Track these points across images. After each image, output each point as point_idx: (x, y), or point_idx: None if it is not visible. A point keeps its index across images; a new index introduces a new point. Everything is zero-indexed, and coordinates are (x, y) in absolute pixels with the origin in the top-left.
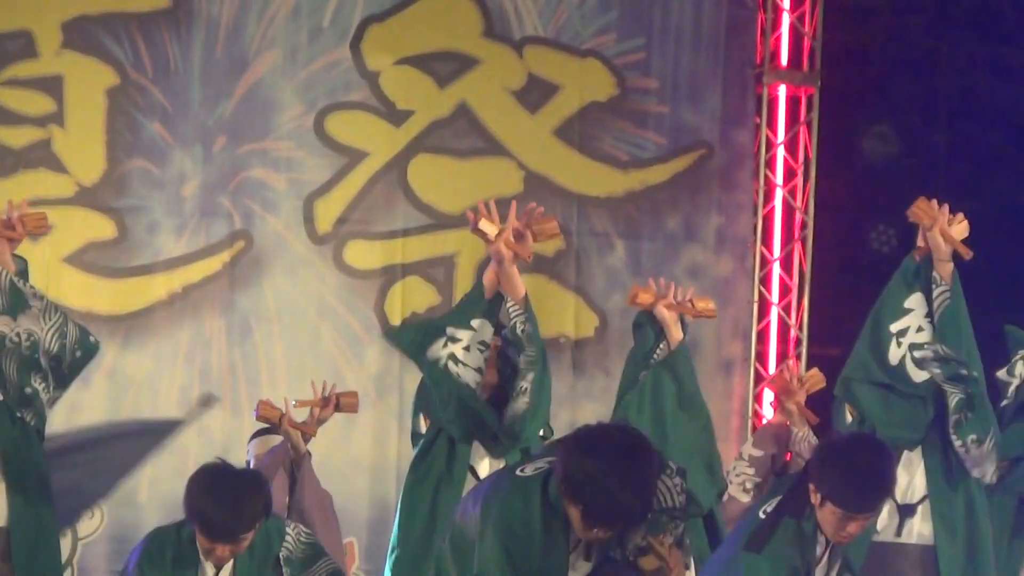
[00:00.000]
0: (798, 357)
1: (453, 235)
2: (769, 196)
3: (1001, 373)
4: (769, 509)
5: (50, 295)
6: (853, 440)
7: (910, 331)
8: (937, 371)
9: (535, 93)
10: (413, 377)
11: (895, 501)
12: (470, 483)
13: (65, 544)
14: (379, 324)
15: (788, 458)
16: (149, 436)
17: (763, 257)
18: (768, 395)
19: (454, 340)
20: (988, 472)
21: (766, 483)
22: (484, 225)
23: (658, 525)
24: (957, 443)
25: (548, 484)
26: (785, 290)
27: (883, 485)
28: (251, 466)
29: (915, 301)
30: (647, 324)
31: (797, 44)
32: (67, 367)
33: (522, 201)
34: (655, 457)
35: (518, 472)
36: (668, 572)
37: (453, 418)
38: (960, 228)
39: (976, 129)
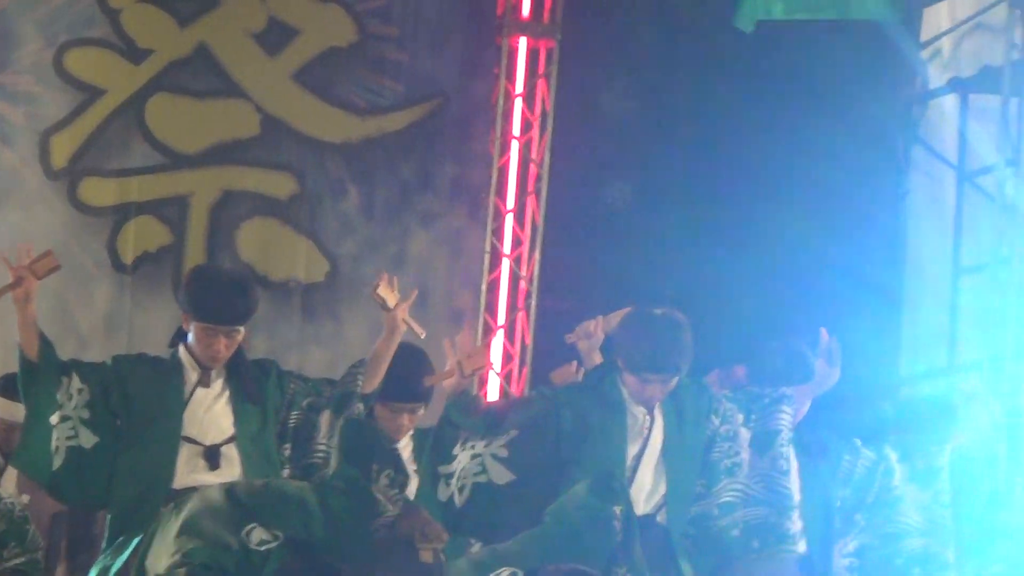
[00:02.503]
0: (527, 309)
1: (188, 175)
2: (505, 148)
3: None
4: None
5: None
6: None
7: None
8: None
9: (275, 36)
10: (143, 314)
11: None
12: None
13: None
14: (110, 261)
15: None
16: None
17: (496, 208)
18: (497, 345)
19: None
20: None
21: None
22: (384, 291)
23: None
24: None
25: None
26: (517, 242)
27: None
28: None
29: None
30: None
31: None
32: None
33: (257, 144)
34: None
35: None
36: (440, 545)
37: None
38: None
39: (715, 85)
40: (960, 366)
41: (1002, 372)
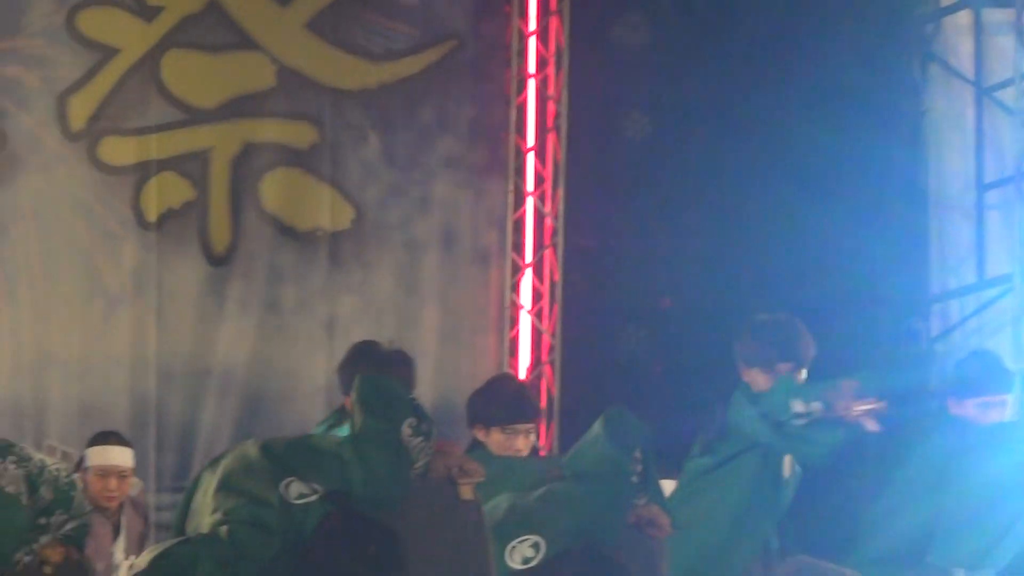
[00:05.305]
0: (554, 246)
1: (207, 130)
2: (522, 86)
3: None
4: None
5: None
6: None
7: None
8: None
9: None
10: (170, 272)
11: None
12: None
13: None
14: (135, 219)
15: None
16: None
17: (517, 147)
18: (526, 284)
19: None
20: None
21: None
22: None
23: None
24: None
25: None
26: (540, 180)
27: None
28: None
29: None
30: None
31: None
32: None
33: (274, 95)
34: None
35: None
36: (480, 479)
37: None
38: None
39: (728, 17)
40: (990, 281)
41: None
